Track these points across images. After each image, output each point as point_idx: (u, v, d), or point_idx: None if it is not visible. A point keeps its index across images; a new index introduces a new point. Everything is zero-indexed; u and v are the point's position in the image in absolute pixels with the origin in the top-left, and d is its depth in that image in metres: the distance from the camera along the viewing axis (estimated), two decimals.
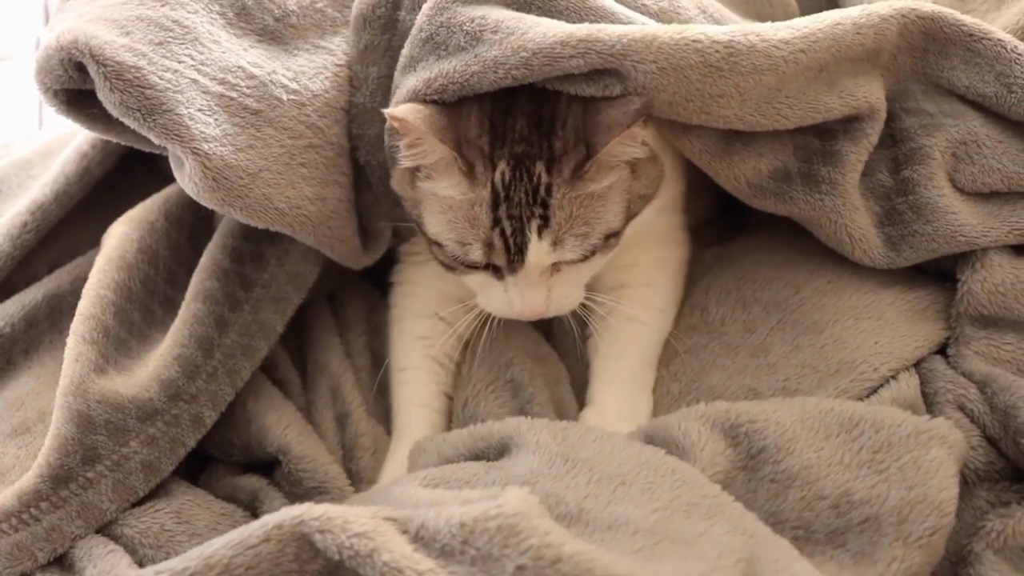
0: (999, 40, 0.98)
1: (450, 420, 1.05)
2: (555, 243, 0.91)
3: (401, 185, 0.97)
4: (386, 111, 0.90)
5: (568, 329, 1.09)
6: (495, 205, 0.90)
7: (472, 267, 0.94)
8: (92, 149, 1.12)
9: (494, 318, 1.01)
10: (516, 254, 0.91)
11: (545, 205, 0.90)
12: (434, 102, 0.92)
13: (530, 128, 0.91)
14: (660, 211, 1.08)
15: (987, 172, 0.99)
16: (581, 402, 1.05)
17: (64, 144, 1.19)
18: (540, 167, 0.90)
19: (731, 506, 0.78)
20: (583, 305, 1.00)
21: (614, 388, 1.01)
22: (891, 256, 1.00)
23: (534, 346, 1.08)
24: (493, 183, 0.90)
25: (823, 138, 1.00)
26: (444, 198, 0.93)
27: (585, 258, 0.94)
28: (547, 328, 1.12)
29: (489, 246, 0.92)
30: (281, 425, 0.98)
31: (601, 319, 1.05)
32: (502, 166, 0.90)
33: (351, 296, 1.16)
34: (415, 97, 0.93)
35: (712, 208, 1.20)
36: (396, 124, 0.90)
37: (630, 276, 1.06)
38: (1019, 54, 0.97)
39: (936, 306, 1.01)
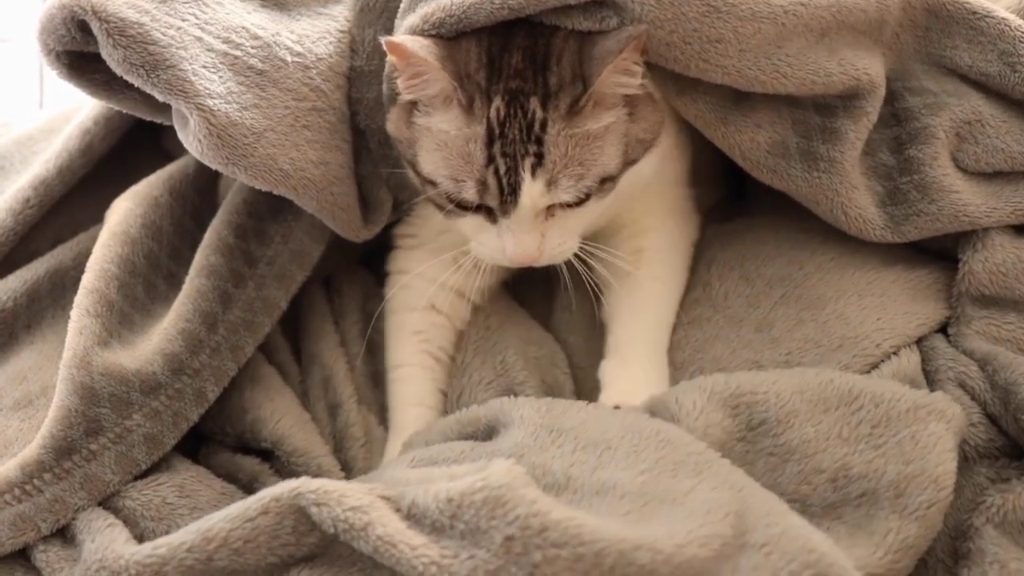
0: (1003, 19, 0.99)
1: (445, 414, 1.05)
2: (549, 183, 0.90)
3: (397, 125, 0.96)
4: (384, 38, 0.89)
5: (567, 305, 1.09)
6: (490, 142, 0.89)
7: (465, 207, 0.93)
8: (95, 125, 1.12)
9: (486, 282, 1.00)
10: (509, 194, 0.90)
11: (540, 142, 0.89)
12: (433, 37, 0.92)
13: (525, 63, 0.90)
14: (666, 189, 1.09)
15: (990, 152, 0.99)
16: (578, 383, 1.05)
17: (66, 121, 1.19)
18: (535, 103, 0.89)
19: (718, 462, 0.79)
20: (579, 257, 0.98)
21: (637, 348, 1.00)
22: (890, 234, 1.01)
23: (527, 330, 1.08)
24: (488, 119, 0.89)
25: (823, 114, 1.00)
26: (440, 132, 0.92)
27: (580, 202, 0.92)
28: (546, 308, 1.12)
29: (483, 184, 0.90)
30: (275, 418, 0.98)
31: (619, 279, 1.03)
32: (497, 101, 0.89)
33: (347, 282, 1.15)
34: (412, 33, 0.92)
35: (722, 194, 1.20)
36: (395, 55, 0.89)
37: (647, 242, 1.06)
38: (1023, 33, 0.97)
39: (938, 285, 1.02)
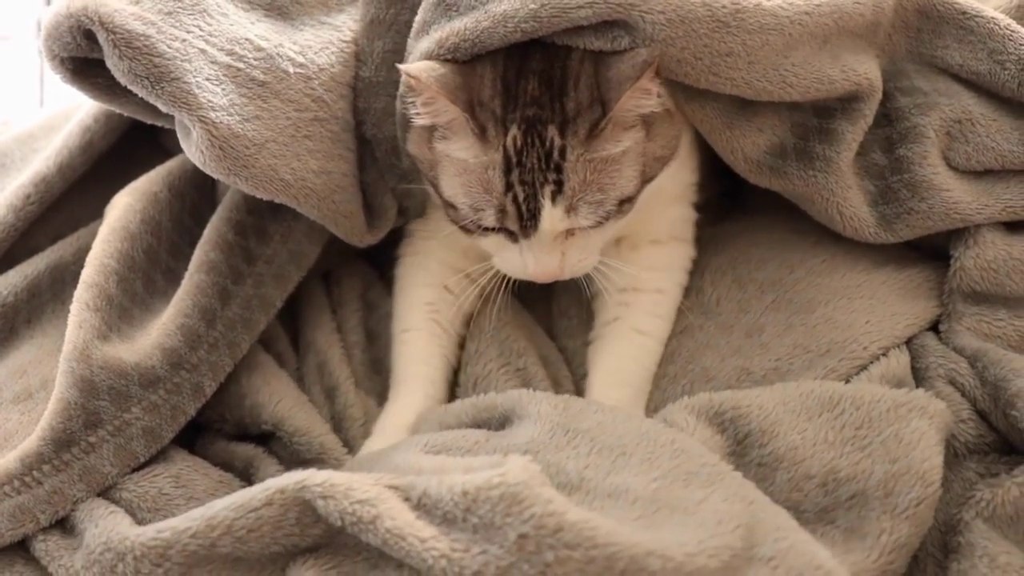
0: (992, 18, 0.99)
1: (453, 391, 1.06)
2: (569, 210, 0.91)
3: (418, 146, 0.97)
4: (402, 67, 0.91)
5: (566, 310, 1.11)
6: (507, 170, 0.90)
7: (487, 230, 0.94)
8: (95, 123, 1.12)
9: (508, 281, 1.01)
10: (529, 220, 0.91)
11: (559, 170, 0.90)
12: (448, 61, 0.93)
13: (542, 90, 0.91)
14: (675, 201, 1.09)
15: (981, 150, 1.00)
16: (578, 393, 1.04)
17: (67, 119, 1.20)
18: (553, 130, 0.90)
19: (730, 475, 0.79)
20: (597, 269, 1.00)
21: (621, 390, 1.01)
22: (884, 234, 1.01)
23: (541, 344, 1.09)
24: (505, 147, 0.90)
25: (821, 116, 1.01)
26: (458, 160, 0.93)
27: (599, 224, 0.94)
28: (546, 313, 1.13)
29: (502, 212, 0.92)
30: (274, 401, 0.98)
31: (607, 323, 1.06)
32: (514, 130, 0.90)
33: (346, 274, 1.16)
34: (428, 57, 0.93)
35: (713, 194, 1.21)
36: (411, 81, 0.90)
37: (643, 280, 1.06)
38: (1012, 31, 0.98)
39: (929, 283, 1.02)
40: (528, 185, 0.90)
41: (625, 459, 0.80)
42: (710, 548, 0.69)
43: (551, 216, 0.91)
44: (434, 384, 1.04)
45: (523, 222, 0.92)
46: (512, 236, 0.95)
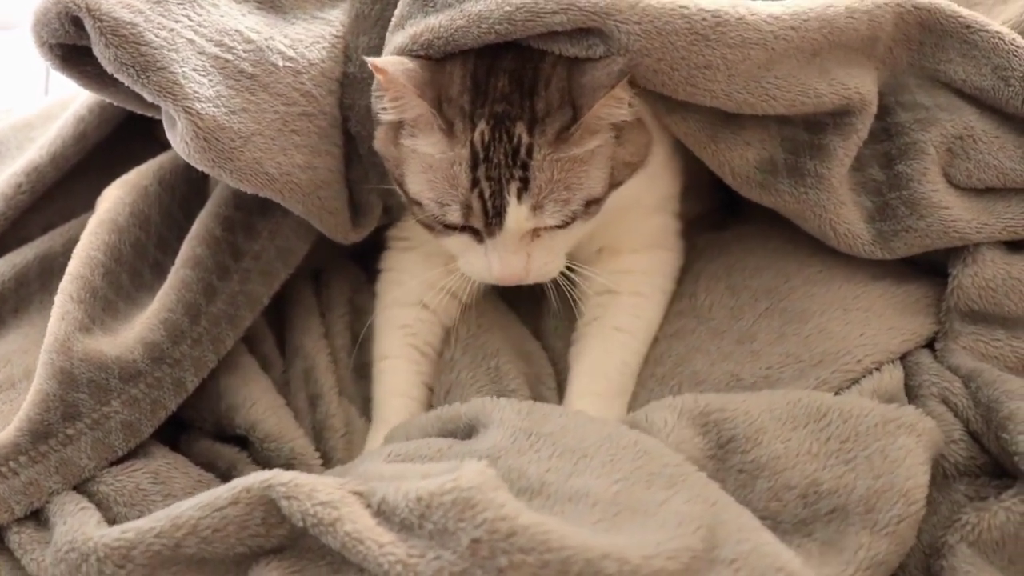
0: (996, 32, 0.97)
1: (430, 408, 1.05)
2: (535, 208, 0.90)
3: (384, 144, 0.97)
4: (369, 60, 0.90)
5: (555, 311, 1.09)
6: (474, 165, 0.90)
7: (451, 228, 0.94)
8: (89, 114, 1.12)
9: (475, 284, 1.00)
10: (494, 217, 0.90)
11: (525, 167, 0.89)
12: (421, 58, 0.92)
13: (512, 87, 0.90)
14: (653, 212, 1.08)
15: (982, 168, 0.98)
16: (561, 393, 1.04)
17: (64, 108, 1.20)
18: (521, 127, 0.89)
19: (693, 475, 0.78)
20: (565, 275, 0.99)
21: (594, 400, 1.00)
22: (879, 251, 1.00)
23: (520, 341, 1.08)
24: (472, 142, 0.89)
25: (812, 131, 1.00)
26: (425, 155, 0.92)
27: (565, 224, 0.93)
28: (535, 313, 1.12)
29: (467, 207, 0.91)
30: (248, 404, 0.98)
31: (587, 323, 1.05)
32: (481, 125, 0.89)
33: (336, 276, 1.16)
34: (401, 52, 0.93)
35: (710, 205, 1.20)
36: (379, 76, 0.90)
37: (622, 283, 1.05)
38: (1017, 47, 0.96)
39: (926, 300, 1.01)
40: (494, 181, 0.89)
41: (587, 462, 0.79)
42: (669, 550, 0.68)
43: (516, 214, 0.90)
44: (413, 416, 1.02)
45: (488, 219, 0.91)
46: (477, 236, 0.94)
